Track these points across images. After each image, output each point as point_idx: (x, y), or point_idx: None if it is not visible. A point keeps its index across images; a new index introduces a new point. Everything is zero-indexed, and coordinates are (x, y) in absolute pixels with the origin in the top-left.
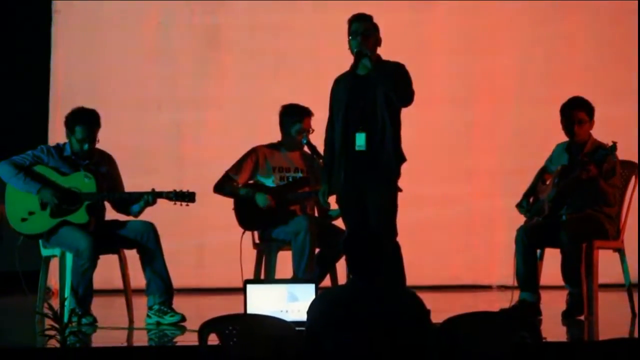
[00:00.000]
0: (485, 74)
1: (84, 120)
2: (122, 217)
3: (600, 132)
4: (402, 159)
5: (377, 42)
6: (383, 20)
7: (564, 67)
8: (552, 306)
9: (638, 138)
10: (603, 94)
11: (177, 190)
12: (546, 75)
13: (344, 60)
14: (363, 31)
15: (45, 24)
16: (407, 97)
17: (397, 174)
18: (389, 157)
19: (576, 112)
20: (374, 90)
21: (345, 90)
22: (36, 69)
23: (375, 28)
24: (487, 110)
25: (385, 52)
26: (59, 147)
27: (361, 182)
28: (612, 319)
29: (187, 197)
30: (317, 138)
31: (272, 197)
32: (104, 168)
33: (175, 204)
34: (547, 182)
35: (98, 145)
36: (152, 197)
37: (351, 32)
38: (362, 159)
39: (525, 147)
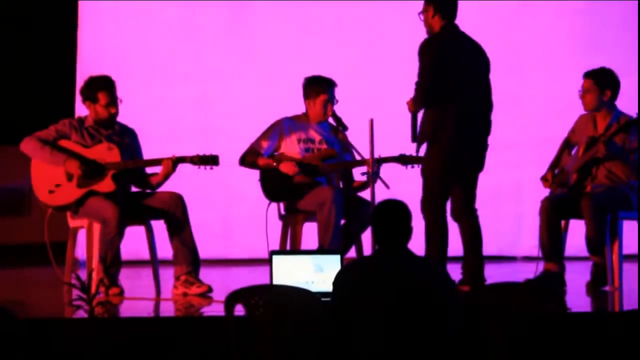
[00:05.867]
0: (510, 45)
1: (104, 85)
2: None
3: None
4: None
5: (427, 16)
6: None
7: (590, 37)
8: (577, 277)
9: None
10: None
11: (200, 154)
12: (572, 45)
13: (368, 34)
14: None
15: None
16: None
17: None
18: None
19: (584, 81)
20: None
21: None
22: (63, 45)
23: (424, 6)
24: (513, 81)
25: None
26: (80, 120)
27: None
28: (636, 289)
29: (210, 160)
30: (341, 108)
31: (297, 166)
32: (127, 139)
33: (199, 168)
34: (572, 153)
35: (120, 119)
36: (174, 162)
37: None
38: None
39: (552, 116)
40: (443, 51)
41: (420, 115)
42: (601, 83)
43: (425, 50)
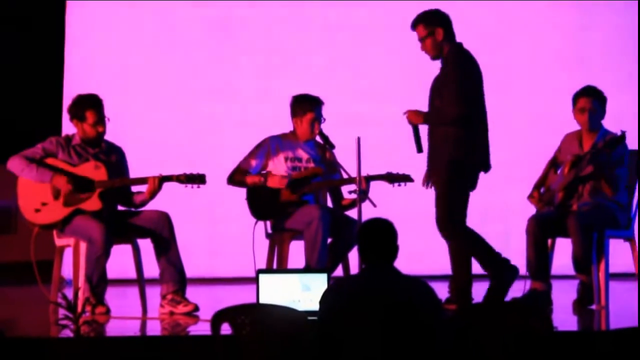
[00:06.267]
0: (499, 64)
1: (92, 104)
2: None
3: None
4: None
5: (436, 39)
6: (402, 12)
7: (579, 57)
8: (564, 296)
9: (638, 127)
10: (615, 84)
11: (187, 173)
12: (560, 65)
13: (356, 52)
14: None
15: (59, 14)
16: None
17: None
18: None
19: (579, 100)
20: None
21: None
22: (49, 63)
23: (428, 30)
24: (501, 100)
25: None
26: (68, 138)
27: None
28: (623, 308)
29: (197, 179)
30: (329, 127)
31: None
32: (114, 158)
33: (186, 186)
34: (558, 172)
35: (107, 137)
36: (160, 180)
37: None
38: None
39: (539, 135)
40: (472, 72)
41: (422, 127)
42: (600, 102)
43: (459, 72)
